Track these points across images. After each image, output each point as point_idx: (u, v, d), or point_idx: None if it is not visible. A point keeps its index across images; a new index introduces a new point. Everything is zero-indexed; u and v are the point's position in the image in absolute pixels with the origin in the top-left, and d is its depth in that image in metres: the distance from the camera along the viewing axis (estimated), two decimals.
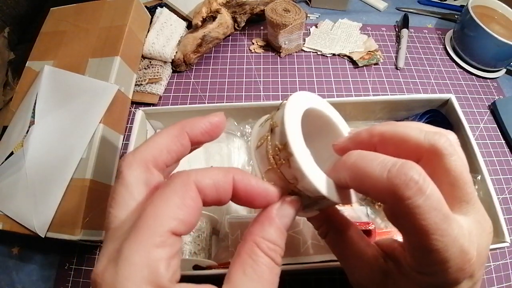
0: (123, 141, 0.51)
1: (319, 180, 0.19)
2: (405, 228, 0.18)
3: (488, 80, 0.59)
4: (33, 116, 0.45)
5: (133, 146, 0.42)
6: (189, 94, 0.57)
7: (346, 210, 0.40)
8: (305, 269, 0.35)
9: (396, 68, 0.60)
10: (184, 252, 0.37)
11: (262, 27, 0.65)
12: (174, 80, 0.58)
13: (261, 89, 0.57)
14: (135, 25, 0.54)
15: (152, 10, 0.62)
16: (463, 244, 0.17)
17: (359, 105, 0.47)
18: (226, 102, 0.55)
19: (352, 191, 0.22)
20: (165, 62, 0.58)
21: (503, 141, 0.53)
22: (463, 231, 0.17)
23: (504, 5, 0.58)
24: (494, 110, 0.55)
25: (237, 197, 0.19)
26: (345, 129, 0.24)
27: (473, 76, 0.59)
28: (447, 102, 0.46)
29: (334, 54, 0.61)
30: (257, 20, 0.65)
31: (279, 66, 0.60)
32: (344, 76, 0.59)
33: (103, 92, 0.47)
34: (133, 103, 0.55)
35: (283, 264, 0.35)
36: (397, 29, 0.65)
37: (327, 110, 0.24)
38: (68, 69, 0.49)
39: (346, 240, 0.24)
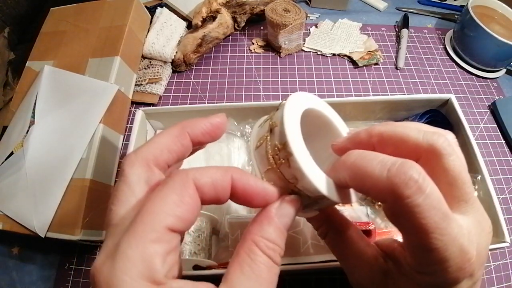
0: (123, 141, 0.51)
1: (319, 180, 0.19)
2: (405, 227, 0.18)
3: (488, 80, 0.59)
4: (33, 116, 0.45)
5: (133, 146, 0.42)
6: (189, 94, 0.57)
7: (346, 210, 0.40)
8: (305, 269, 0.35)
9: (396, 68, 0.60)
10: (184, 252, 0.37)
11: (262, 27, 0.65)
12: (174, 80, 0.58)
13: (261, 89, 0.57)
14: (135, 25, 0.54)
15: (152, 10, 0.62)
16: (462, 243, 0.17)
17: (359, 105, 0.47)
18: (226, 102, 0.55)
19: (351, 191, 0.22)
20: (165, 62, 0.58)
21: (503, 141, 0.53)
22: (463, 231, 0.17)
23: (504, 5, 0.58)
24: (494, 110, 0.55)
25: (236, 196, 0.19)
26: (343, 129, 0.25)
27: (473, 76, 0.59)
28: (447, 102, 0.46)
29: (334, 54, 0.61)
30: (257, 20, 0.65)
31: (279, 66, 0.60)
32: (344, 76, 0.59)
33: (103, 92, 0.47)
34: (133, 103, 0.55)
35: (283, 264, 0.35)
36: (397, 29, 0.65)
37: (326, 111, 0.24)
38: (68, 69, 0.49)
39: (346, 240, 0.24)
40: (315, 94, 0.57)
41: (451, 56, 0.61)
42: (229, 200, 0.20)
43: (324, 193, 0.19)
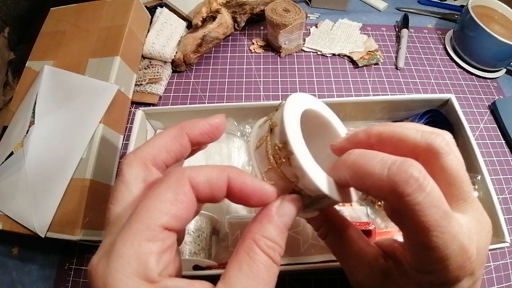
0: (123, 141, 0.51)
1: (319, 178, 0.19)
2: (405, 225, 0.18)
3: (488, 80, 0.59)
4: (33, 116, 0.45)
5: (133, 146, 0.42)
6: (189, 94, 0.57)
7: (346, 210, 0.40)
8: (305, 269, 0.35)
9: (396, 68, 0.60)
10: (184, 252, 0.37)
11: (262, 27, 0.65)
12: (174, 80, 0.58)
13: (261, 89, 0.57)
14: (135, 25, 0.54)
15: (152, 10, 0.62)
16: (463, 242, 0.17)
17: (359, 105, 0.46)
18: (226, 102, 0.55)
19: (352, 190, 0.22)
20: (165, 62, 0.58)
21: (503, 141, 0.53)
22: (463, 229, 0.17)
23: (504, 5, 0.58)
24: (494, 110, 0.55)
25: (232, 195, 0.19)
26: (342, 130, 0.25)
27: (473, 76, 0.59)
28: (447, 102, 0.46)
29: (334, 54, 0.61)
30: (257, 20, 0.65)
31: (279, 66, 0.60)
32: (344, 76, 0.59)
33: (103, 92, 0.47)
34: (133, 103, 0.55)
35: (283, 264, 0.35)
36: (397, 29, 0.65)
37: (324, 111, 0.24)
38: (68, 69, 0.49)
39: (346, 240, 0.24)
40: (315, 94, 0.57)
41: (451, 56, 0.61)
42: (229, 201, 0.20)
43: (325, 191, 0.19)
